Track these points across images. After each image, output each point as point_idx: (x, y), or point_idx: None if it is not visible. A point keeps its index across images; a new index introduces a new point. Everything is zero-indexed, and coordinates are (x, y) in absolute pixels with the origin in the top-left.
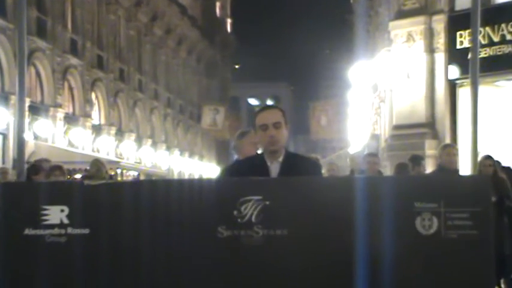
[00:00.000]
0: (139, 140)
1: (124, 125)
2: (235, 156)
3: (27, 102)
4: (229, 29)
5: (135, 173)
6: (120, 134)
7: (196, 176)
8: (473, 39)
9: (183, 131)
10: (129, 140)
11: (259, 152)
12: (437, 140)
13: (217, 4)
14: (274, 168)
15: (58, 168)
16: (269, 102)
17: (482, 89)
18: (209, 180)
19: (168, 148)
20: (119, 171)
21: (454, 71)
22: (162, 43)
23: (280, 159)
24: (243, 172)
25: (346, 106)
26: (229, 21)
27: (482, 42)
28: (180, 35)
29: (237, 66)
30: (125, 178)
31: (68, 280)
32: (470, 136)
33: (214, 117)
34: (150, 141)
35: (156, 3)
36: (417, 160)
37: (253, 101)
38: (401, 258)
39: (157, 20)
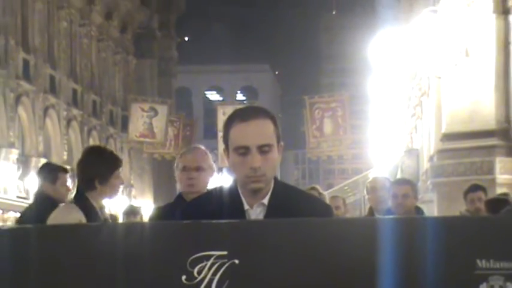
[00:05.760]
0: (24, 161)
1: None
2: (178, 189)
3: None
4: None
5: (17, 214)
6: None
7: (120, 220)
8: None
9: (98, 145)
10: (8, 161)
11: (226, 182)
12: None
13: None
14: (256, 214)
15: None
16: (239, 96)
17: None
18: (140, 225)
19: (74, 174)
20: None
21: None
22: (62, 0)
23: (266, 199)
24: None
25: (365, 103)
26: None
27: None
28: None
29: (186, 39)
30: (0, 223)
31: None
32: None
33: (150, 123)
34: (43, 163)
35: None
36: (498, 205)
37: (213, 96)
38: None
39: None
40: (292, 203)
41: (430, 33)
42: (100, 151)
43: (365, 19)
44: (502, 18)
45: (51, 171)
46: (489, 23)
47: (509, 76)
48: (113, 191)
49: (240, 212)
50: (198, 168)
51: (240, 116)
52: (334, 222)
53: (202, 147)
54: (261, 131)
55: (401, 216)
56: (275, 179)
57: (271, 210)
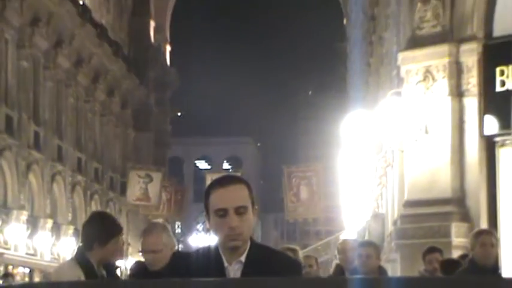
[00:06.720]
0: (33, 221)
1: (11, 198)
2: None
3: None
4: (168, 59)
5: (26, 270)
6: (4, 211)
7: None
8: None
9: (99, 207)
10: (18, 223)
11: (209, 241)
12: (469, 223)
13: (151, 24)
14: (234, 270)
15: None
16: (225, 165)
17: None
18: (134, 282)
19: (78, 233)
20: (0, 268)
21: (493, 124)
22: (69, 79)
23: (243, 257)
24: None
25: (336, 173)
26: (168, 48)
27: None
28: (96, 67)
29: (179, 114)
30: (10, 280)
31: None
32: None
33: (145, 188)
34: (50, 223)
35: (61, 20)
36: (451, 265)
37: (202, 165)
38: None
39: (63, 44)
40: (266, 261)
41: (394, 112)
42: (103, 217)
43: (338, 99)
44: (456, 101)
45: None
46: (445, 104)
47: (464, 151)
48: (110, 255)
49: (220, 269)
50: (154, 251)
51: (218, 183)
52: (306, 281)
53: (158, 226)
54: (237, 194)
55: (367, 276)
56: (251, 239)
57: (248, 266)
